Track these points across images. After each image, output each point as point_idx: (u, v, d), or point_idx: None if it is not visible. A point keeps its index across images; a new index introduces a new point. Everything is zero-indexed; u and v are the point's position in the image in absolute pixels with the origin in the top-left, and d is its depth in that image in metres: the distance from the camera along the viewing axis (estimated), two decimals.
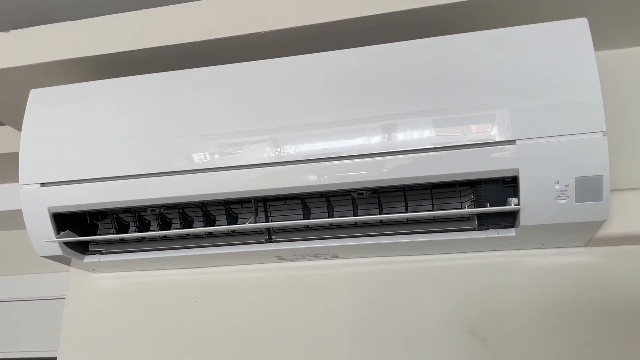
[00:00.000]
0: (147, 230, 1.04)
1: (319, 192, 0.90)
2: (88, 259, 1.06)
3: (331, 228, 0.97)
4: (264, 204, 0.96)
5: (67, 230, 0.99)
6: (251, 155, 0.88)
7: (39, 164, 0.96)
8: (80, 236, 1.01)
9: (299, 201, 0.95)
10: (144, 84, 0.96)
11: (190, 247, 1.02)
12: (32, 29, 1.10)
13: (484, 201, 0.87)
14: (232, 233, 1.01)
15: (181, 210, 1.00)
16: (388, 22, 0.98)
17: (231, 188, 0.90)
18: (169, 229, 1.02)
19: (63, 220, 0.99)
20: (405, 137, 0.84)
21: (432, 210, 0.91)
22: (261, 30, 0.99)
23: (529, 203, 0.81)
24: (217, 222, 1.01)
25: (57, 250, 0.99)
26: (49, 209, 0.96)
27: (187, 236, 1.03)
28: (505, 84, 0.81)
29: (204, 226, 0.99)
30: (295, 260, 1.08)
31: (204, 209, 1.00)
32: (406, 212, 0.91)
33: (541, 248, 1.00)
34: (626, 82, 1.04)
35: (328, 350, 1.04)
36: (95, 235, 1.05)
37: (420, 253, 1.04)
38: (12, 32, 1.11)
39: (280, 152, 0.87)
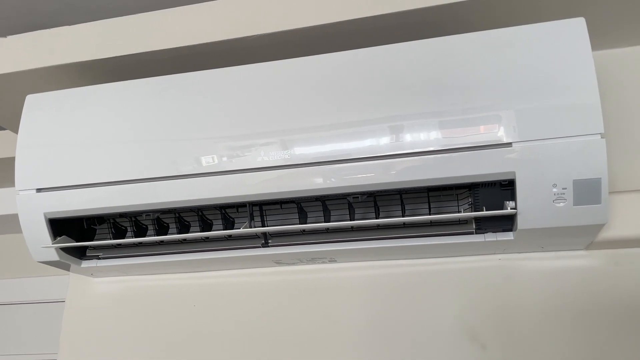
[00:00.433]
0: (144, 235, 1.03)
1: (315, 196, 0.89)
2: (85, 264, 1.06)
3: (328, 232, 0.96)
4: (260, 208, 0.96)
5: (63, 236, 0.99)
6: (250, 159, 0.88)
7: (35, 170, 0.96)
8: (77, 241, 1.01)
9: (295, 205, 0.95)
10: (140, 88, 0.96)
11: (187, 251, 1.02)
12: (29, 34, 1.10)
13: (481, 204, 0.86)
14: (229, 237, 1.01)
15: (177, 215, 1.00)
16: (386, 23, 0.97)
17: (230, 193, 0.90)
18: (166, 233, 1.02)
19: (60, 226, 0.99)
20: (401, 140, 0.83)
21: (429, 214, 0.90)
22: (258, 33, 0.99)
23: (526, 207, 0.80)
24: (213, 226, 1.01)
25: (54, 256, 0.99)
26: (45, 214, 0.96)
27: (184, 241, 1.02)
28: (501, 86, 0.80)
29: (201, 231, 0.98)
30: (292, 264, 1.08)
31: (200, 213, 0.99)
32: (403, 216, 0.90)
33: (541, 251, 0.99)
34: (624, 82, 1.03)
35: (326, 355, 1.04)
36: (92, 240, 1.05)
37: (418, 257, 1.03)
38: (9, 37, 1.11)
39: (279, 156, 0.87)
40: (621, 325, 0.94)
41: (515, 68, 0.80)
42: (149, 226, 1.04)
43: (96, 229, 1.06)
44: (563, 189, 0.78)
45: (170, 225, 1.03)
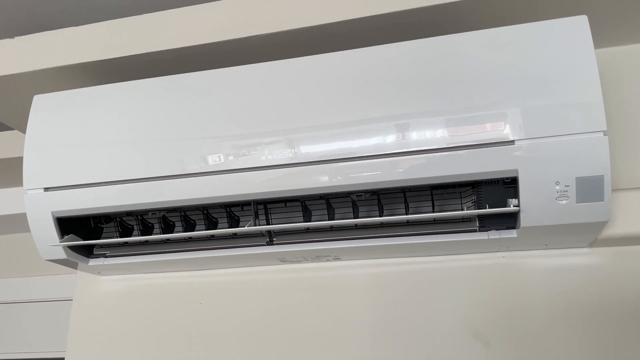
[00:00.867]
0: (150, 234, 1.04)
1: (319, 194, 0.90)
2: (93, 262, 1.07)
3: (332, 230, 0.97)
4: (264, 206, 0.97)
5: (71, 234, 1.00)
6: (255, 158, 0.88)
7: (43, 169, 0.97)
8: (84, 240, 1.02)
9: (299, 203, 0.95)
10: (146, 88, 0.97)
11: (193, 249, 1.03)
12: (36, 35, 1.11)
13: (485, 202, 0.86)
14: (234, 236, 1.01)
15: (183, 214, 1.01)
16: (390, 22, 0.97)
17: (235, 191, 0.90)
18: (172, 232, 1.03)
19: (67, 225, 1.00)
20: (404, 138, 0.83)
21: (433, 212, 0.91)
22: (261, 33, 0.99)
23: (529, 204, 0.80)
24: (218, 225, 1.02)
25: (62, 254, 1.00)
26: (52, 213, 0.97)
27: (190, 239, 1.03)
28: (504, 84, 0.81)
29: (206, 229, 0.99)
30: (296, 262, 1.08)
31: (206, 212, 1.00)
32: (407, 214, 0.91)
33: (545, 249, 0.99)
34: (627, 80, 1.03)
35: (331, 352, 1.04)
36: (99, 239, 1.06)
37: (422, 254, 1.04)
38: (16, 38, 1.12)
39: (283, 154, 0.87)
40: (625, 322, 0.94)
41: (518, 66, 0.80)
42: (155, 225, 1.05)
43: (103, 228, 1.07)
44: (566, 186, 0.78)
45: (176, 224, 1.04)
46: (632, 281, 0.96)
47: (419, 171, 0.82)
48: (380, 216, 0.92)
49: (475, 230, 0.89)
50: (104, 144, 0.95)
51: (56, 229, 0.98)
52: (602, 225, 0.83)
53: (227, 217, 1.00)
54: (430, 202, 0.91)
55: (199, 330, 1.12)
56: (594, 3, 0.93)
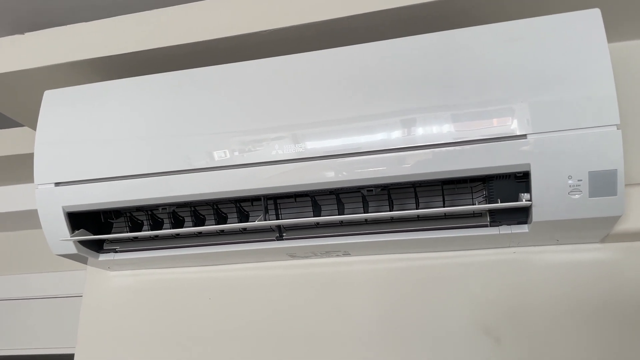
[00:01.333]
0: (160, 229, 1.05)
1: (329, 189, 0.90)
2: (103, 257, 1.07)
3: (342, 225, 0.97)
4: (274, 201, 0.97)
5: (81, 229, 1.01)
6: (264, 153, 0.88)
7: (53, 164, 0.97)
8: (94, 235, 1.02)
9: (309, 198, 0.95)
10: (156, 83, 0.97)
11: (203, 245, 1.03)
12: (46, 31, 1.12)
13: (496, 197, 0.85)
14: (244, 231, 1.01)
15: (193, 209, 1.01)
16: (398, 17, 0.97)
17: (244, 186, 0.90)
18: (181, 227, 1.03)
19: (77, 219, 1.00)
20: (416, 132, 0.83)
21: (443, 207, 0.90)
22: (270, 28, 0.99)
23: (541, 199, 0.80)
24: (228, 220, 1.02)
25: (72, 249, 1.01)
26: (63, 208, 0.97)
27: (199, 234, 1.03)
28: (516, 78, 0.80)
29: (216, 224, 0.99)
30: (306, 257, 1.08)
31: (215, 206, 1.00)
32: (417, 209, 0.90)
33: (556, 244, 0.98)
34: None
35: (341, 348, 1.04)
36: (109, 233, 1.06)
37: (432, 250, 1.03)
38: (27, 34, 1.13)
39: (292, 149, 0.87)
40: (637, 318, 0.93)
41: (531, 60, 0.80)
42: (164, 220, 1.05)
43: (113, 223, 1.07)
44: (578, 180, 0.78)
45: (186, 219, 1.04)
46: None
47: (430, 166, 0.82)
48: (390, 211, 0.92)
49: (486, 226, 0.89)
50: (115, 139, 0.95)
51: (67, 224, 0.98)
52: (614, 220, 0.83)
53: (236, 212, 1.00)
54: (441, 197, 0.91)
55: (208, 325, 1.12)
56: None
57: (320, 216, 0.95)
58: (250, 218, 1.01)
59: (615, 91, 0.76)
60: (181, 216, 1.04)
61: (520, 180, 0.83)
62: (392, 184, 0.88)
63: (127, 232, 1.04)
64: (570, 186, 0.78)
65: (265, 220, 0.93)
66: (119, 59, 1.08)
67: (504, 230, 0.88)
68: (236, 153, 0.90)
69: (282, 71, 0.92)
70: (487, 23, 0.84)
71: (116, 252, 1.07)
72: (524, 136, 0.79)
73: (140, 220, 1.06)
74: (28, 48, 1.12)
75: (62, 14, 1.23)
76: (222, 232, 1.02)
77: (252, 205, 1.01)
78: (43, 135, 0.98)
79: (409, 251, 1.04)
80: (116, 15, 1.09)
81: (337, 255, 1.07)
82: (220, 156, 0.91)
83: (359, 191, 0.92)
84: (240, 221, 0.99)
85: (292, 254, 1.05)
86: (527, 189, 0.81)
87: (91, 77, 1.13)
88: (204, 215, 1.03)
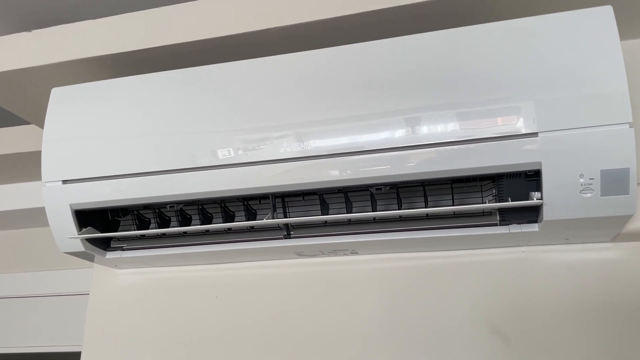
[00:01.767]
0: (167, 227, 1.04)
1: (337, 187, 0.89)
2: (110, 255, 1.07)
3: (350, 224, 0.96)
4: (282, 199, 0.96)
5: (89, 227, 1.00)
6: (271, 150, 0.88)
7: (61, 162, 0.97)
8: (101, 233, 1.02)
9: (317, 197, 0.95)
10: (163, 80, 0.97)
11: (210, 243, 1.03)
12: (53, 29, 1.11)
13: (506, 196, 0.85)
14: (251, 229, 1.01)
15: (200, 207, 1.01)
16: (408, 14, 0.96)
17: (251, 184, 0.90)
18: (189, 225, 1.03)
19: (85, 217, 1.00)
20: (426, 130, 0.82)
21: (453, 205, 0.90)
22: (278, 25, 0.99)
23: (553, 197, 0.79)
24: (236, 218, 1.02)
25: (80, 247, 1.01)
26: (71, 205, 0.97)
27: (207, 232, 1.03)
28: (527, 75, 0.79)
29: (223, 222, 0.99)
30: (314, 256, 1.08)
31: (223, 205, 1.00)
32: (426, 207, 0.90)
33: (566, 243, 0.98)
34: None
35: (347, 346, 1.04)
36: (116, 231, 1.06)
37: (441, 249, 1.03)
38: (34, 31, 1.13)
39: (299, 147, 0.87)
40: None
41: (542, 57, 0.79)
42: (172, 218, 1.05)
43: (120, 221, 1.07)
44: (590, 179, 0.77)
45: (193, 217, 1.03)
46: None
47: (440, 164, 0.82)
48: (399, 210, 0.91)
49: (496, 224, 0.88)
50: (122, 137, 0.95)
51: (74, 222, 0.98)
52: (626, 219, 0.82)
53: (244, 210, 0.99)
54: (450, 195, 0.90)
55: (214, 323, 1.12)
56: None
57: (328, 214, 0.95)
58: (258, 216, 1.01)
59: (627, 89, 0.75)
60: (188, 214, 1.04)
61: (530, 178, 0.83)
62: (401, 183, 0.88)
63: (134, 230, 1.04)
64: (582, 185, 0.78)
65: (273, 218, 0.93)
66: (126, 57, 1.08)
67: (514, 229, 0.88)
68: (242, 151, 0.89)
69: (289, 69, 0.91)
70: (498, 20, 0.83)
71: (123, 250, 1.07)
72: (535, 134, 0.78)
73: (147, 218, 1.06)
74: (35, 45, 1.12)
75: (69, 11, 1.23)
76: (229, 231, 1.02)
77: (260, 203, 1.01)
78: (50, 133, 0.98)
79: (418, 250, 1.04)
80: (123, 13, 1.09)
81: (345, 254, 1.07)
82: (227, 154, 0.90)
83: (368, 189, 0.92)
84: (248, 219, 0.99)
85: (300, 253, 1.05)
86: (538, 188, 0.80)
87: (98, 74, 1.13)
88: (211, 214, 1.03)
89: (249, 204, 1.00)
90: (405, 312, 1.03)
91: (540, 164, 0.78)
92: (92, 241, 1.03)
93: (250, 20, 1.01)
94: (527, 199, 0.82)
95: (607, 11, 0.78)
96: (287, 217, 0.96)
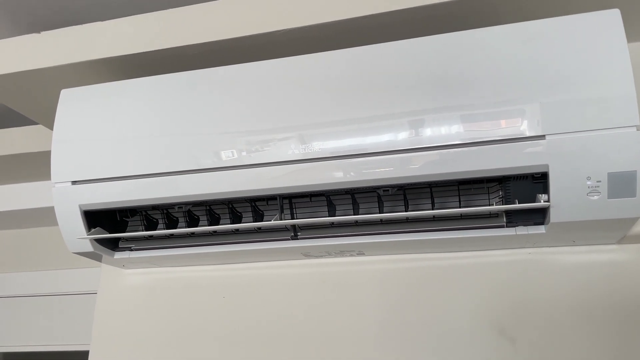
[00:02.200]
0: (175, 227, 1.05)
1: (344, 189, 0.90)
2: (118, 255, 1.08)
3: (357, 225, 0.97)
4: (290, 201, 0.97)
5: (97, 227, 1.01)
6: (278, 152, 0.89)
7: (70, 163, 0.98)
8: (110, 233, 1.03)
9: (324, 198, 0.95)
10: (171, 82, 0.97)
11: (217, 243, 1.03)
12: (62, 30, 1.12)
13: (513, 198, 0.85)
14: (259, 230, 1.02)
15: (208, 208, 1.01)
16: (413, 16, 0.96)
17: (258, 185, 0.91)
18: (196, 226, 1.04)
19: (94, 218, 1.01)
20: (433, 133, 0.83)
21: (459, 207, 0.90)
22: (284, 28, 0.99)
23: (559, 200, 0.79)
24: (243, 219, 1.02)
25: (88, 247, 1.01)
26: (80, 206, 0.98)
27: (214, 233, 1.04)
28: (534, 78, 0.80)
29: (231, 223, 1.00)
30: (320, 257, 1.09)
31: (231, 206, 1.00)
32: (433, 209, 0.90)
33: (572, 245, 0.98)
34: None
35: (354, 346, 1.04)
36: (125, 232, 1.07)
37: (448, 250, 1.03)
38: (43, 33, 1.13)
39: (306, 149, 0.87)
40: None
41: (549, 60, 0.79)
42: (180, 218, 1.05)
43: (128, 221, 1.08)
44: (597, 181, 0.77)
45: (201, 218, 1.04)
46: None
47: (447, 166, 0.82)
48: (405, 211, 0.92)
49: (502, 226, 0.89)
50: (131, 138, 0.96)
51: (83, 222, 0.99)
52: (633, 221, 0.82)
53: (252, 211, 1.00)
54: (457, 197, 0.91)
55: (222, 323, 1.13)
56: None
57: (335, 216, 0.95)
58: (265, 217, 1.02)
59: (634, 92, 0.75)
60: (196, 215, 1.05)
61: (537, 181, 0.83)
62: (408, 184, 0.88)
63: (142, 230, 1.05)
64: (589, 187, 0.78)
65: (281, 219, 0.94)
66: (134, 58, 1.09)
67: (521, 231, 0.88)
68: (250, 153, 0.90)
69: (296, 71, 0.92)
70: (505, 23, 0.84)
71: (131, 250, 1.07)
72: (542, 137, 0.78)
73: (155, 218, 1.07)
74: (44, 47, 1.12)
75: (77, 13, 1.24)
76: (237, 231, 1.03)
77: (267, 204, 1.02)
78: (60, 134, 0.99)
79: (424, 251, 1.04)
80: (131, 15, 1.09)
81: (352, 255, 1.07)
82: (234, 156, 0.91)
83: (375, 191, 0.92)
84: (255, 220, 1.00)
85: (307, 253, 1.06)
86: (545, 190, 0.81)
87: (107, 76, 1.14)
88: (219, 214, 1.04)
89: (256, 205, 1.01)
90: (411, 313, 1.03)
91: (547, 166, 0.78)
92: (100, 241, 1.03)
93: (256, 22, 1.01)
94: (534, 201, 0.82)
95: (615, 14, 0.79)
96: (294, 218, 0.97)
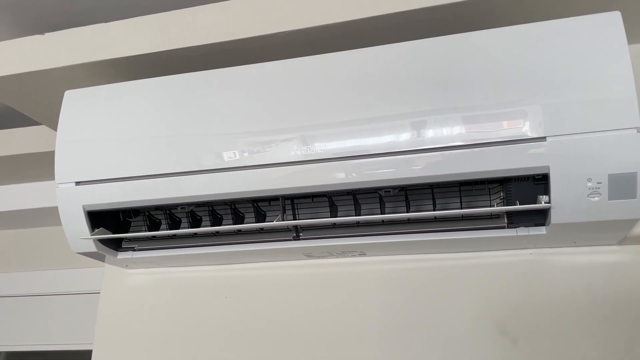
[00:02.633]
0: (178, 228, 1.06)
1: (346, 190, 0.90)
2: (121, 255, 1.08)
3: (358, 226, 0.97)
4: (292, 201, 0.97)
5: (101, 228, 1.02)
6: (280, 153, 0.89)
7: (74, 164, 0.99)
8: (113, 233, 1.03)
9: (326, 199, 0.96)
10: (175, 84, 0.98)
11: (220, 244, 1.04)
12: (66, 32, 1.13)
13: (514, 199, 0.86)
14: (261, 230, 1.02)
15: (211, 208, 1.02)
16: (416, 18, 0.97)
17: (261, 186, 0.91)
18: (199, 226, 1.04)
19: (97, 218, 1.02)
20: (434, 134, 0.83)
21: (461, 208, 0.91)
22: (287, 30, 1.00)
23: (560, 201, 0.80)
24: (245, 219, 1.03)
25: (92, 247, 1.02)
26: (83, 207, 0.99)
27: (217, 233, 1.04)
28: (535, 80, 0.80)
29: (233, 224, 1.00)
30: (322, 257, 1.09)
31: (233, 206, 1.01)
32: (434, 210, 0.91)
33: (573, 246, 0.98)
34: None
35: (356, 347, 1.05)
36: (127, 232, 1.07)
37: (449, 251, 1.04)
38: (47, 34, 1.14)
39: (308, 150, 0.88)
40: None
41: (550, 62, 0.80)
42: (182, 219, 1.06)
43: (131, 222, 1.09)
44: (598, 183, 0.78)
45: (204, 218, 1.05)
46: None
47: (449, 167, 0.82)
48: (407, 212, 0.92)
49: (503, 227, 0.89)
50: (134, 139, 0.96)
51: (87, 223, 1.00)
52: (633, 222, 0.83)
53: (254, 211, 1.01)
54: (458, 198, 0.91)
55: (224, 323, 1.13)
56: None
57: (337, 217, 0.96)
58: (267, 218, 1.02)
59: (635, 94, 0.76)
60: (199, 215, 1.05)
61: (538, 182, 0.83)
62: (410, 185, 0.89)
63: (145, 231, 1.06)
64: (589, 189, 0.78)
65: (283, 220, 0.94)
66: (138, 60, 1.09)
67: (522, 232, 0.88)
68: (252, 154, 0.90)
69: (298, 72, 0.92)
70: (506, 25, 0.84)
71: (134, 250, 1.08)
72: (543, 138, 0.79)
73: (158, 219, 1.07)
74: (48, 48, 1.13)
75: (82, 14, 1.24)
76: (239, 232, 1.03)
77: (270, 205, 1.02)
78: (64, 135, 1.00)
79: (425, 252, 1.04)
80: (135, 16, 1.10)
81: (353, 255, 1.08)
82: (237, 157, 0.91)
83: (376, 192, 0.92)
84: (258, 221, 1.00)
85: (309, 254, 1.06)
86: (546, 191, 0.81)
87: (110, 77, 1.14)
88: (221, 215, 1.04)
89: (258, 205, 1.01)
90: (412, 313, 1.04)
91: (548, 167, 0.79)
92: (103, 242, 1.04)
93: (259, 24, 1.01)
94: (535, 202, 0.83)
95: (616, 16, 0.79)
96: (296, 219, 0.98)
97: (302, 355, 1.07)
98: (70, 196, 0.99)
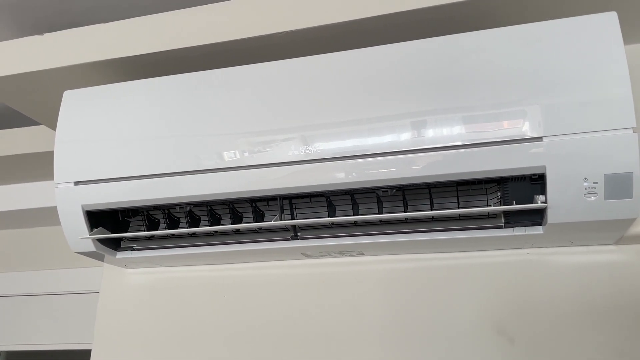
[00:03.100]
0: (177, 228, 1.06)
1: (344, 189, 0.91)
2: (120, 255, 1.09)
3: (356, 225, 0.98)
4: (290, 201, 0.98)
5: (100, 227, 1.02)
6: (279, 153, 0.89)
7: (73, 163, 0.99)
8: (112, 233, 1.04)
9: (324, 199, 0.96)
10: (173, 84, 0.98)
11: (218, 243, 1.04)
12: (65, 32, 1.13)
13: (511, 199, 0.86)
14: (259, 230, 1.03)
15: (209, 208, 1.02)
16: (415, 19, 0.97)
17: (259, 186, 0.91)
18: (198, 226, 1.04)
19: (96, 218, 1.02)
20: (432, 134, 0.83)
21: (458, 208, 0.91)
22: (286, 30, 1.00)
23: (557, 201, 0.80)
24: (244, 219, 1.03)
25: (91, 247, 1.02)
26: (82, 206, 0.99)
27: (215, 233, 1.05)
28: (532, 80, 0.80)
29: (232, 223, 1.00)
30: (320, 257, 1.09)
31: (232, 206, 1.01)
32: (431, 210, 0.91)
33: (570, 246, 0.99)
34: None
35: (353, 347, 1.05)
36: (126, 232, 1.08)
37: (447, 250, 1.04)
38: (46, 35, 1.14)
39: (307, 150, 0.88)
40: None
41: (547, 62, 0.80)
42: (181, 219, 1.06)
43: (130, 221, 1.09)
44: (594, 183, 0.78)
45: (202, 218, 1.05)
46: None
47: (447, 167, 0.83)
48: (405, 212, 0.92)
49: (500, 227, 0.89)
50: (133, 139, 0.97)
51: (86, 222, 1.00)
52: (629, 222, 0.83)
53: (252, 211, 1.01)
54: (456, 198, 0.92)
55: (223, 322, 1.14)
56: None
57: (335, 216, 0.96)
58: (265, 218, 1.02)
59: (631, 94, 0.76)
60: (197, 215, 1.05)
61: (535, 182, 0.84)
62: (407, 185, 0.89)
63: (144, 230, 1.06)
64: (585, 188, 0.79)
65: (281, 220, 0.94)
66: (137, 60, 1.10)
67: (519, 231, 0.89)
68: (250, 154, 0.91)
69: (297, 73, 0.93)
70: (504, 26, 0.84)
71: (133, 250, 1.08)
72: (539, 138, 0.79)
73: (157, 219, 1.08)
74: (47, 49, 1.13)
75: (81, 14, 1.25)
76: (237, 232, 1.04)
77: (268, 204, 1.02)
78: (63, 135, 1.00)
79: (423, 251, 1.05)
80: (134, 17, 1.10)
81: (351, 255, 1.08)
82: (235, 157, 0.92)
83: (374, 192, 0.93)
84: (256, 221, 1.01)
85: (307, 254, 1.06)
86: (543, 191, 0.81)
87: (110, 77, 1.15)
88: (220, 215, 1.04)
89: (256, 205, 1.02)
90: (410, 313, 1.04)
91: (544, 167, 0.79)
92: (102, 241, 1.04)
93: (258, 24, 1.02)
94: (532, 202, 0.83)
95: (612, 17, 0.79)
96: (294, 219, 0.98)
97: (300, 354, 1.08)
98: (69, 196, 0.99)
